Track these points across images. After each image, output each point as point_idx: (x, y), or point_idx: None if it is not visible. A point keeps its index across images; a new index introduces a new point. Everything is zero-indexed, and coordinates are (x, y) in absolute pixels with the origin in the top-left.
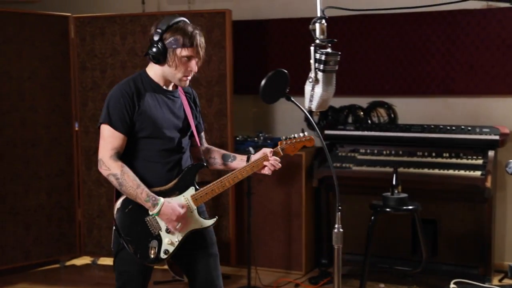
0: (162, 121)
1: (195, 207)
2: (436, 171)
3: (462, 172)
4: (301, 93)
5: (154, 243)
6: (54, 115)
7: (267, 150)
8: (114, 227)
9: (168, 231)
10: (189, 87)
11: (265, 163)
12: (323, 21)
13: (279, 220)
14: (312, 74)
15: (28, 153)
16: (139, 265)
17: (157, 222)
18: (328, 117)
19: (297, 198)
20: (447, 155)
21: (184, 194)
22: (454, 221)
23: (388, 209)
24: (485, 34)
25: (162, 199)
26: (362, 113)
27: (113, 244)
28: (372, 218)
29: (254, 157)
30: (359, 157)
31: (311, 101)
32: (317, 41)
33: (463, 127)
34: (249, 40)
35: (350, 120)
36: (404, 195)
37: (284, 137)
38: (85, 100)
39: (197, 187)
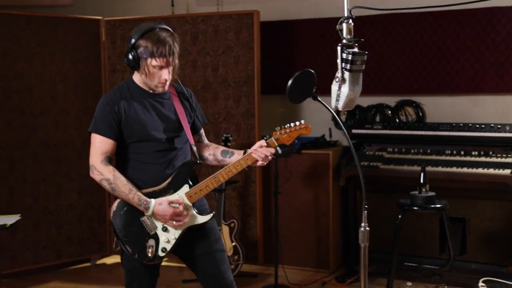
0: (151, 124)
1: (191, 204)
2: (465, 169)
3: (491, 171)
4: (328, 93)
5: (152, 242)
6: (85, 117)
7: (262, 142)
8: (112, 229)
9: (164, 229)
10: (182, 86)
11: (256, 154)
12: (350, 20)
13: (306, 219)
14: (339, 74)
15: (60, 154)
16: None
17: (153, 222)
18: (355, 116)
19: (325, 197)
20: (476, 153)
21: (179, 192)
22: (483, 220)
23: (415, 208)
24: None
25: (153, 201)
26: (389, 112)
27: (115, 245)
28: (400, 216)
29: (250, 150)
30: (387, 156)
31: (337, 100)
32: (344, 41)
33: (492, 125)
34: (276, 41)
35: (377, 119)
36: (432, 193)
37: (278, 127)
38: None
39: (191, 184)
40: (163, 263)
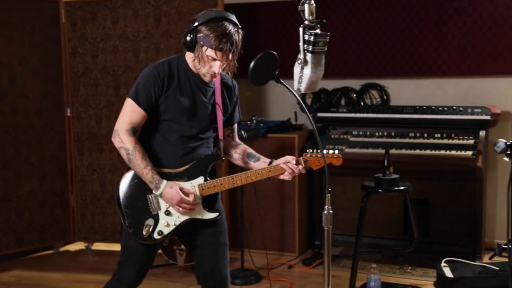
0: (188, 108)
1: (200, 197)
2: (428, 151)
3: (453, 152)
4: (292, 76)
5: (150, 221)
6: (45, 101)
7: (289, 158)
8: (116, 197)
9: (167, 213)
10: (232, 78)
11: (283, 166)
12: (312, 1)
13: (272, 203)
14: (301, 56)
15: (20, 139)
16: (141, 243)
17: (158, 202)
18: (321, 99)
19: (290, 181)
20: (439, 135)
21: (193, 181)
22: (445, 201)
23: (380, 190)
24: (477, 15)
25: (165, 182)
26: (354, 95)
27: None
28: (364, 199)
29: (276, 162)
30: (352, 139)
31: (300, 82)
32: (306, 22)
33: (454, 107)
34: (241, 23)
35: (343, 102)
36: (395, 176)
37: (311, 150)
38: (76, 86)
39: (207, 178)
40: None
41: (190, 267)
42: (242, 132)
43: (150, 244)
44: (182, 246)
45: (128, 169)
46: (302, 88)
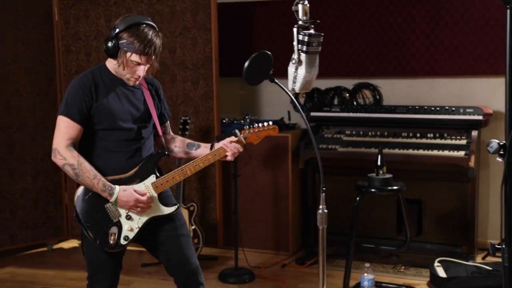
0: (121, 113)
1: (156, 195)
2: (421, 151)
3: (446, 152)
4: (286, 75)
5: (114, 229)
6: (39, 98)
7: (229, 139)
8: (74, 215)
9: (128, 217)
10: (152, 77)
11: (228, 148)
12: (306, 2)
13: (266, 202)
14: (295, 56)
15: (13, 137)
16: (106, 252)
17: (117, 209)
18: (314, 99)
19: (284, 179)
20: (432, 135)
21: (145, 181)
22: (438, 201)
23: (373, 190)
24: (468, 15)
25: (117, 188)
26: (347, 94)
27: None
28: (357, 198)
29: (217, 145)
30: (345, 138)
31: (294, 82)
32: (300, 22)
33: (447, 107)
34: (234, 23)
35: (335, 102)
36: (389, 175)
37: (247, 126)
38: None
39: (158, 174)
40: None
41: None
42: (236, 130)
43: (115, 252)
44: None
45: (78, 185)
46: (297, 88)
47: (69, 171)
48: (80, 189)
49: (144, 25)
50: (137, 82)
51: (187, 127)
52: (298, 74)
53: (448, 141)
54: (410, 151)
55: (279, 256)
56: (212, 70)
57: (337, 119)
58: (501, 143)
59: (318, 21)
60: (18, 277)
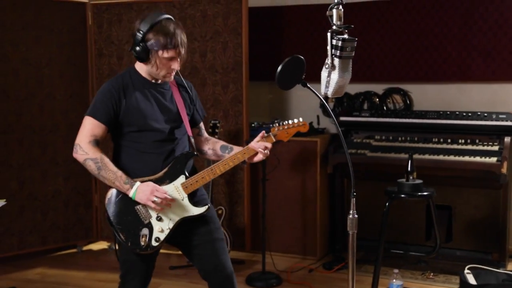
0: (151, 114)
1: (186, 195)
2: (452, 157)
3: (477, 159)
4: (317, 79)
5: (145, 231)
6: (71, 101)
7: (258, 137)
8: (106, 217)
9: (158, 219)
10: (182, 78)
11: (254, 145)
12: (340, 6)
13: (293, 206)
14: (328, 60)
15: (46, 139)
16: (138, 253)
17: (147, 211)
18: (343, 103)
19: (312, 184)
20: (463, 141)
21: (174, 182)
22: (469, 207)
23: (402, 195)
24: (503, 20)
25: (138, 182)
26: (377, 99)
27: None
28: (387, 204)
29: (250, 144)
30: (374, 143)
31: (327, 87)
32: (334, 27)
33: (479, 113)
34: (265, 27)
35: (365, 106)
36: (419, 181)
37: (277, 123)
38: None
39: (187, 175)
40: None
41: None
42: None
43: (148, 254)
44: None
45: (110, 187)
46: (329, 92)
47: (91, 165)
48: (111, 192)
49: (163, 21)
50: (172, 77)
51: (217, 130)
52: (331, 78)
53: (480, 147)
54: (441, 157)
55: (306, 260)
56: (242, 74)
57: (367, 124)
58: None
59: (352, 26)
60: (48, 278)
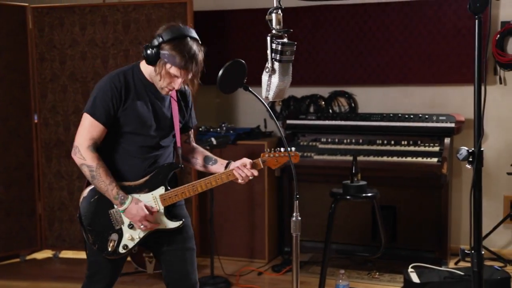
0: (147, 119)
1: (162, 207)
2: (395, 158)
3: (419, 159)
4: (261, 83)
5: (115, 236)
6: (12, 107)
7: (246, 161)
8: (77, 215)
9: (130, 226)
10: (183, 85)
11: (237, 172)
12: (279, 11)
13: (242, 210)
14: (269, 64)
15: None
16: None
17: (121, 216)
18: (290, 107)
19: (260, 187)
20: (405, 142)
21: (154, 192)
22: (412, 207)
23: (348, 197)
24: (441, 24)
25: (130, 198)
26: (323, 102)
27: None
28: (332, 205)
29: (234, 164)
30: (320, 146)
31: (268, 91)
32: (274, 31)
33: (420, 115)
34: (210, 31)
35: (311, 109)
36: (363, 182)
37: (268, 149)
38: (44, 92)
39: (168, 187)
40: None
41: (159, 274)
42: (212, 139)
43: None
44: (151, 254)
45: (87, 185)
46: (270, 96)
47: (86, 172)
48: (87, 190)
49: (189, 39)
50: (170, 93)
51: None
52: (271, 82)
53: (422, 148)
54: (385, 158)
55: (255, 263)
56: None
57: (313, 126)
58: (470, 150)
59: (291, 30)
60: None
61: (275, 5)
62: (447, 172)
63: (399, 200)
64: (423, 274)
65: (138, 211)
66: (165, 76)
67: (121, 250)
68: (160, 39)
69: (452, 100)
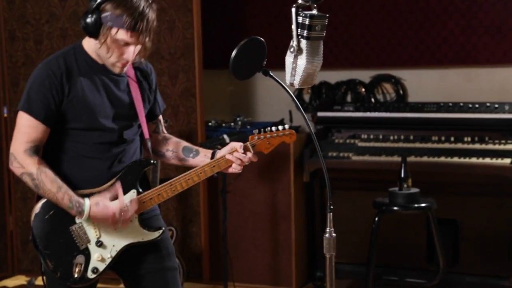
0: (100, 108)
1: (136, 215)
2: (456, 159)
3: (487, 160)
4: (283, 66)
5: (80, 258)
6: None
7: (236, 145)
8: (30, 238)
9: (99, 244)
10: (142, 61)
11: (229, 157)
12: None
13: (262, 224)
14: (294, 43)
15: None
16: (69, 287)
17: (85, 233)
18: (322, 95)
19: (285, 196)
20: (469, 139)
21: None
22: (479, 221)
23: (395, 208)
24: None
25: (87, 201)
26: (363, 89)
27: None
28: (376, 219)
29: (220, 153)
30: (360, 144)
31: (293, 75)
32: (300, 1)
33: (488, 104)
34: (222, 2)
35: (349, 98)
36: (415, 190)
37: (257, 131)
38: (15, 79)
39: (140, 190)
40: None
41: None
42: (224, 136)
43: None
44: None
45: (38, 198)
46: (296, 82)
47: (28, 182)
48: (39, 205)
49: None
50: (125, 69)
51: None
52: (297, 65)
53: (490, 146)
54: (442, 159)
55: None
56: (194, 61)
57: (351, 120)
58: None
59: None
60: None
61: None
62: None
63: (461, 213)
64: None
65: (104, 212)
66: (112, 46)
67: (90, 275)
68: (98, 0)
69: None
